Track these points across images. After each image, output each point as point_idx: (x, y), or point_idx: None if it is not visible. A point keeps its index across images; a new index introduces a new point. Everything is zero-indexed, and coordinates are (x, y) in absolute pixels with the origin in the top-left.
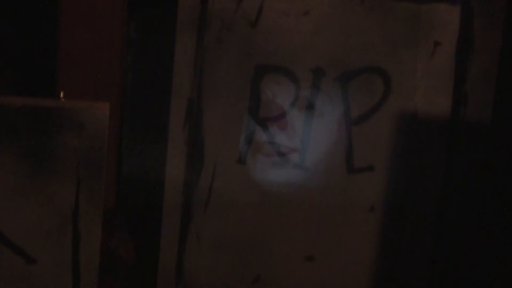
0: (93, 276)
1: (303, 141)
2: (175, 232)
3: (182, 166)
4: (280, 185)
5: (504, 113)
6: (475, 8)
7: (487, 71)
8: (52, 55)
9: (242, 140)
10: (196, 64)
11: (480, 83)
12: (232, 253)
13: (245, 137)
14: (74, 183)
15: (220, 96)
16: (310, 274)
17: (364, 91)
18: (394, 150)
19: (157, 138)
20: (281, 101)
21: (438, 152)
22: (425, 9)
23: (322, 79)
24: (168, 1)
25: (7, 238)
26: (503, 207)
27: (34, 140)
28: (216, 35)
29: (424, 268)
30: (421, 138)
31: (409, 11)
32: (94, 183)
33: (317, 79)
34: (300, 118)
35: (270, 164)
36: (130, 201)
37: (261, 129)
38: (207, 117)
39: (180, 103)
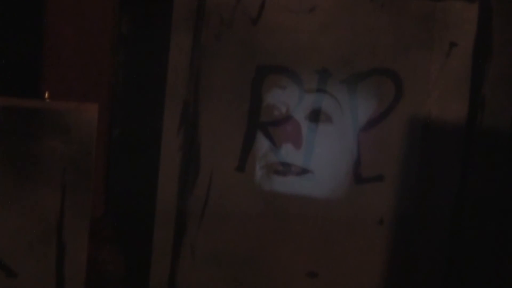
0: None
1: (307, 148)
2: (168, 245)
3: (176, 174)
4: (282, 195)
5: None
6: (494, 6)
7: (507, 74)
8: (36, 52)
9: (241, 146)
10: (193, 63)
11: (498, 87)
12: (229, 268)
13: (244, 143)
14: (59, 190)
15: (218, 99)
16: None
17: (374, 94)
18: (405, 158)
19: (149, 143)
20: (284, 105)
21: (452, 161)
22: (440, 7)
23: (328, 81)
24: None
25: None
26: None
27: (16, 144)
28: (215, 33)
29: (437, 285)
30: (434, 146)
31: (423, 9)
32: (81, 191)
33: (323, 81)
34: (304, 123)
35: (272, 172)
36: (120, 211)
37: (262, 134)
38: (203, 121)
39: (175, 106)
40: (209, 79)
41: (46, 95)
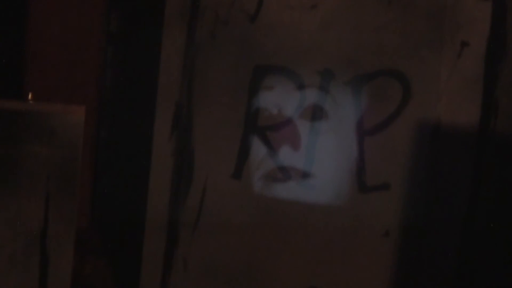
0: None
1: (308, 154)
2: (158, 257)
3: (167, 181)
4: (281, 204)
5: None
6: (508, 3)
7: None
8: (19, 50)
9: (237, 152)
10: (186, 63)
11: None
12: (224, 282)
13: (241, 148)
14: (42, 199)
15: (214, 101)
16: None
17: (380, 97)
18: (413, 166)
19: (139, 148)
20: (283, 108)
21: (464, 168)
22: (451, 4)
23: (331, 82)
24: None
25: None
26: None
27: None
28: (210, 30)
29: None
30: (444, 152)
31: (433, 6)
32: (66, 199)
33: (325, 83)
34: (305, 127)
35: (270, 180)
36: (107, 220)
37: (260, 139)
38: (197, 125)
39: (167, 108)
40: (203, 80)
41: (30, 96)
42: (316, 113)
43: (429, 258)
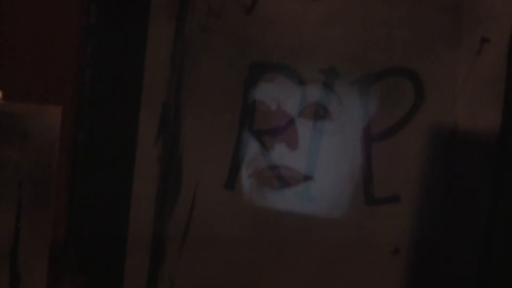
0: None
1: (309, 162)
2: (142, 274)
3: (153, 190)
4: (278, 217)
5: None
6: None
7: None
8: None
9: (231, 158)
10: (174, 59)
11: None
12: None
13: (235, 154)
14: (13, 209)
15: (205, 101)
16: None
17: (389, 99)
18: (426, 175)
19: (122, 153)
20: (282, 110)
21: (483, 178)
22: None
23: (335, 82)
24: None
25: None
26: None
27: None
28: (201, 23)
29: None
30: (461, 161)
31: None
32: (40, 209)
33: (329, 82)
34: (306, 131)
35: (267, 190)
36: (85, 234)
37: (255, 144)
38: (187, 128)
39: (153, 109)
40: (193, 78)
41: (0, 95)
42: (318, 116)
43: (444, 278)
